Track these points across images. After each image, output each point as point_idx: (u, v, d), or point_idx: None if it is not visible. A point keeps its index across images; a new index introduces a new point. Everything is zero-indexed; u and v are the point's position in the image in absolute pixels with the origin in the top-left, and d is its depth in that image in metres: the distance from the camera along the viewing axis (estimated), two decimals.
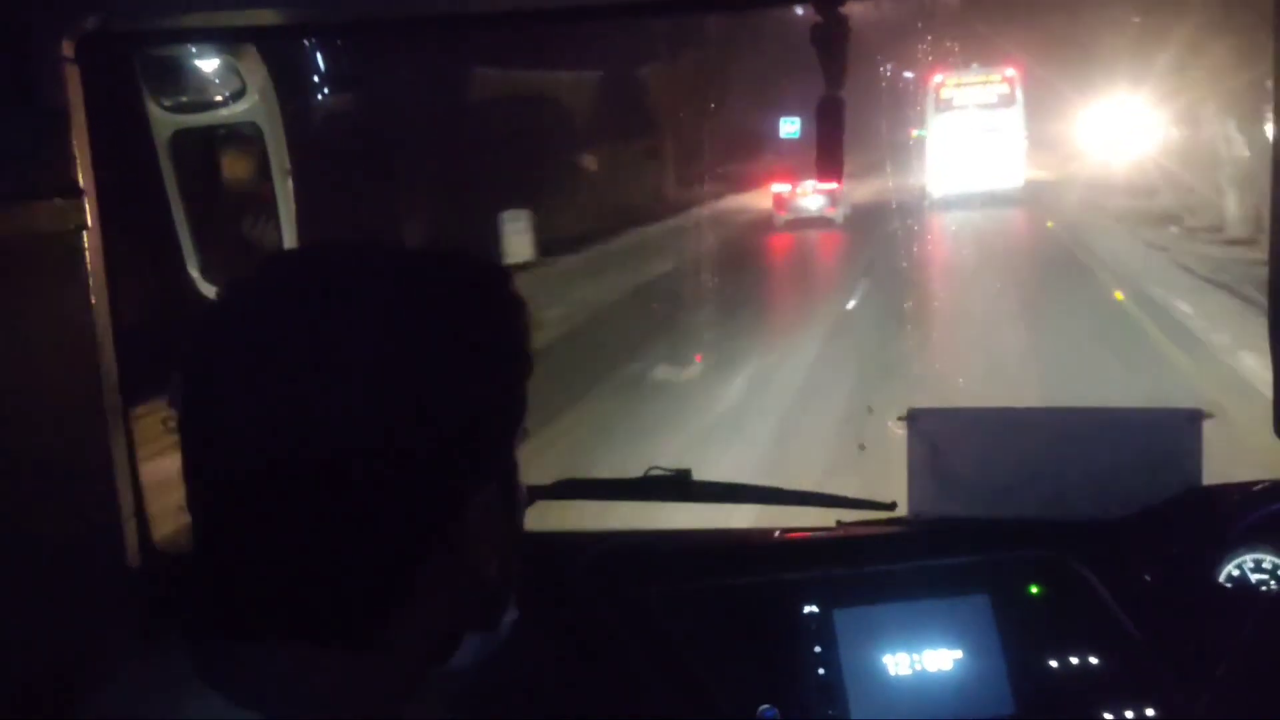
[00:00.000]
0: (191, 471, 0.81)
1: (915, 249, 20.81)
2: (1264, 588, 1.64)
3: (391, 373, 0.78)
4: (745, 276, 18.01)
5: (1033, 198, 25.14)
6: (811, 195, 24.02)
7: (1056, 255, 17.80)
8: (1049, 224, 21.75)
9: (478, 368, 0.84)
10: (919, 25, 37.27)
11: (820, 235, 23.10)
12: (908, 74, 37.81)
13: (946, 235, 22.60)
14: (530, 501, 1.86)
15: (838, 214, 23.89)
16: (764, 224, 24.55)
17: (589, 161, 25.70)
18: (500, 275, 0.90)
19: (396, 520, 0.79)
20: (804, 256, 21.97)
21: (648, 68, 27.87)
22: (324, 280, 0.83)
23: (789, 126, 32.18)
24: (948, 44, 36.08)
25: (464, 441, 0.82)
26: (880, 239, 21.31)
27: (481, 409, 0.84)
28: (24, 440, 1.42)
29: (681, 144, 29.86)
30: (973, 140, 25.33)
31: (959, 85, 26.86)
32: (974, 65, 28.12)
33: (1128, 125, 23.83)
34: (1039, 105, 31.16)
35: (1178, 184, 21.57)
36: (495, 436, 0.87)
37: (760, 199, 27.17)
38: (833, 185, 21.37)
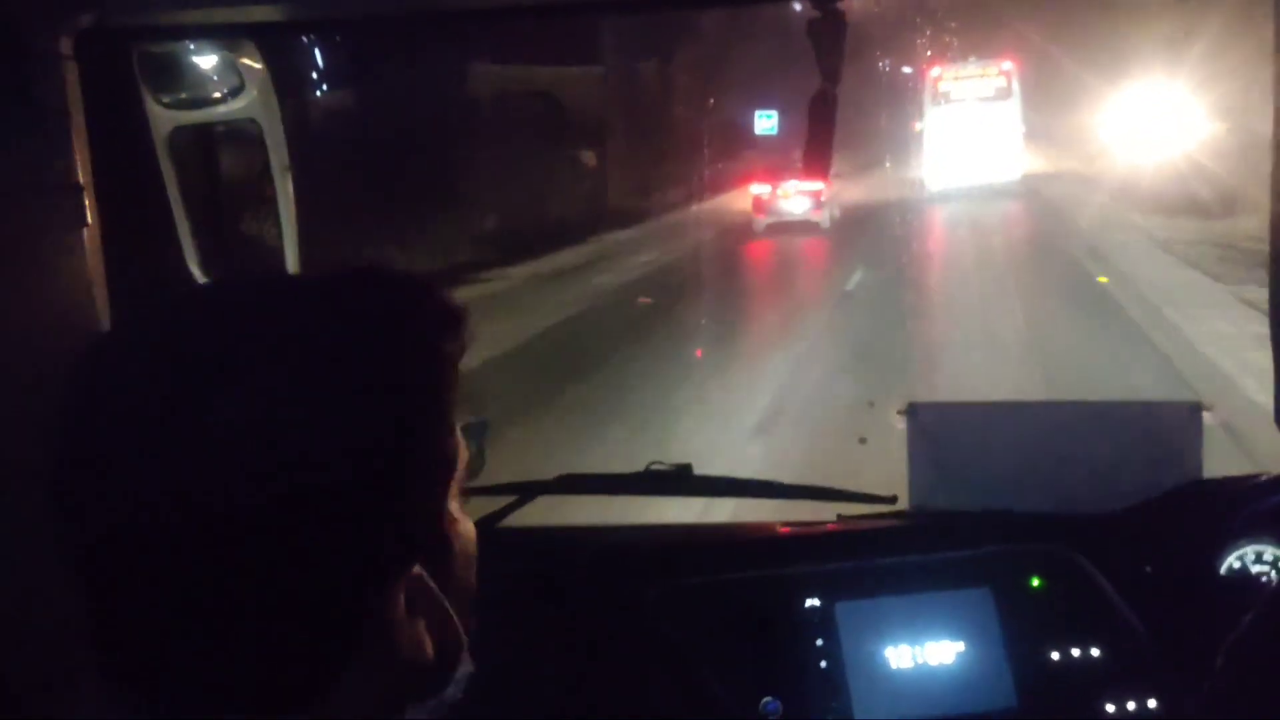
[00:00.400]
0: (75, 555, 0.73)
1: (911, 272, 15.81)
2: (1265, 579, 1.65)
3: (278, 437, 0.69)
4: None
5: (1051, 212, 21.64)
6: (795, 197, 21.61)
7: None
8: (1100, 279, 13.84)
9: (386, 417, 0.73)
10: (918, 20, 37.30)
11: (802, 242, 20.23)
12: (906, 69, 37.79)
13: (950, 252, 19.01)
14: (531, 497, 1.87)
15: (824, 217, 21.59)
16: (741, 231, 21.77)
17: (588, 157, 25.62)
18: (414, 297, 0.80)
19: (303, 607, 0.70)
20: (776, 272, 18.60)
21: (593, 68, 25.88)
22: (199, 331, 0.74)
23: (765, 122, 31.19)
24: (947, 38, 36.17)
25: (377, 507, 0.72)
26: (873, 253, 17.55)
27: (393, 466, 0.73)
28: (22, 438, 1.42)
29: (639, 147, 28.49)
30: (970, 133, 25.34)
31: (956, 78, 26.89)
32: (971, 58, 28.31)
33: (1160, 116, 22.31)
34: (1053, 93, 30.90)
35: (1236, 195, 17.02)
36: (418, 492, 0.76)
37: (735, 201, 24.97)
38: (818, 185, 20.42)
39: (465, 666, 0.83)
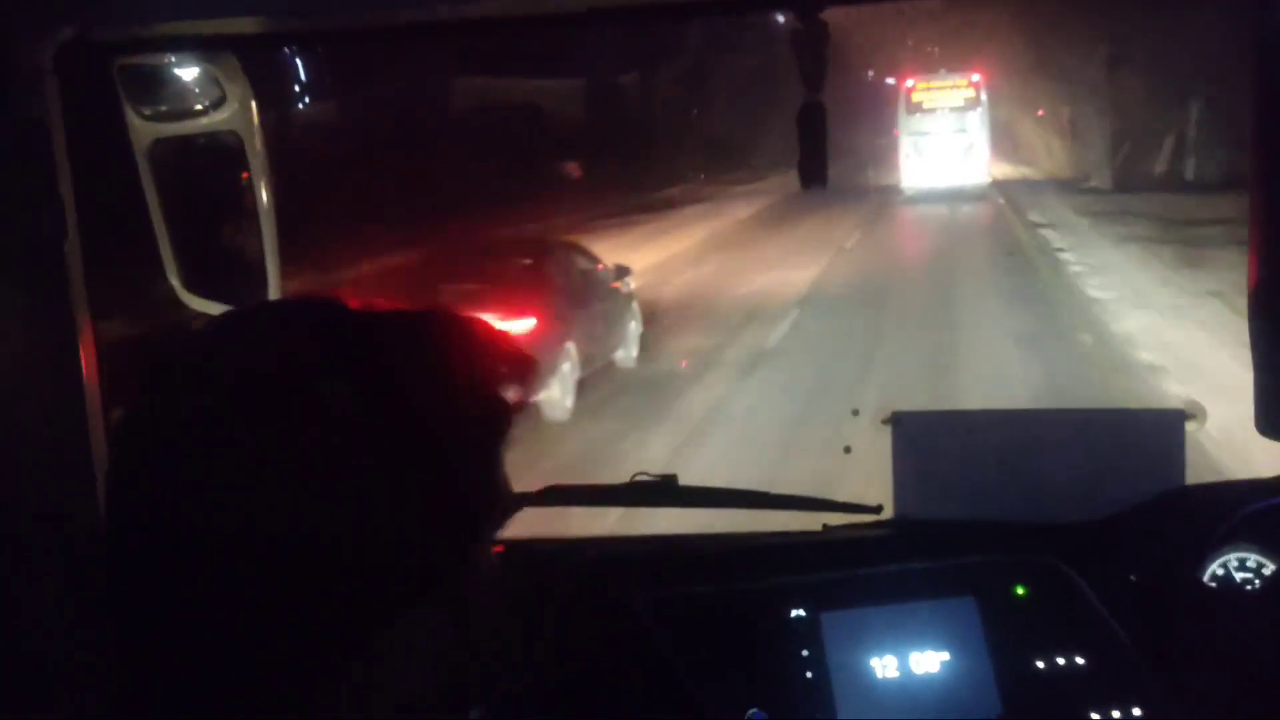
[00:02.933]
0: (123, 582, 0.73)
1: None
2: (1248, 586, 1.65)
3: (334, 464, 0.70)
4: None
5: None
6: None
7: None
8: None
9: (443, 454, 0.75)
10: (908, 41, 37.80)
11: None
12: (889, 80, 38.04)
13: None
14: (516, 509, 1.86)
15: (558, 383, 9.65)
16: None
17: (571, 169, 25.62)
18: (481, 342, 0.80)
19: (301, 637, 0.71)
20: None
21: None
22: (270, 350, 0.74)
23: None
24: (929, 49, 36.64)
25: (387, 553, 0.72)
26: None
27: (416, 512, 0.73)
28: (3, 450, 1.41)
29: (622, 159, 27.87)
30: (940, 139, 27.62)
31: (928, 89, 29.04)
32: (941, 70, 30.43)
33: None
34: (1025, 104, 33.40)
35: None
36: (466, 533, 0.77)
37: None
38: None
39: (477, 711, 0.83)
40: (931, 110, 28.44)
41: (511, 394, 0.80)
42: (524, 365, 0.81)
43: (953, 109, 28.46)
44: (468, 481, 0.77)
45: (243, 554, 0.69)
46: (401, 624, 0.74)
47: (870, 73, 39.19)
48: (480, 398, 0.78)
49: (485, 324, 0.82)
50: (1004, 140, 33.74)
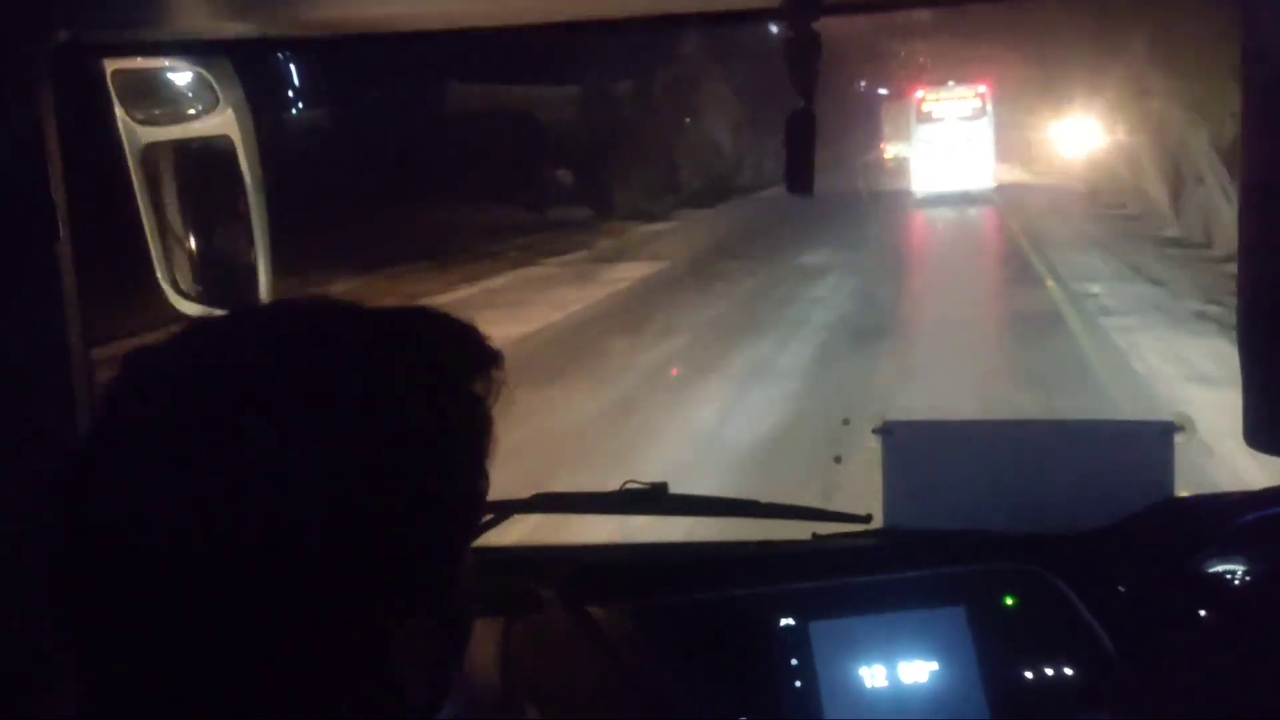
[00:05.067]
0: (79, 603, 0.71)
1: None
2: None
3: (307, 470, 0.68)
4: None
5: None
6: None
7: None
8: None
9: (417, 457, 0.72)
10: (901, 53, 38.10)
11: None
12: (882, 90, 38.23)
13: None
14: (505, 515, 1.86)
15: None
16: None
17: (564, 176, 25.62)
18: (452, 337, 0.79)
19: (303, 654, 0.70)
20: None
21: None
22: (234, 355, 0.73)
23: None
24: (920, 60, 37.07)
25: (399, 548, 0.71)
26: None
27: (415, 517, 0.72)
28: None
29: (616, 166, 27.28)
30: (950, 147, 28.71)
31: (938, 100, 30.28)
32: (950, 82, 31.43)
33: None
34: (1019, 113, 34.38)
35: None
36: (442, 534, 0.76)
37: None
38: None
39: (450, 709, 0.81)
40: (941, 120, 29.49)
41: (484, 389, 0.79)
42: (495, 359, 0.80)
43: (960, 118, 29.50)
44: (450, 484, 0.76)
45: (222, 575, 0.68)
46: (401, 636, 0.73)
47: (863, 83, 39.34)
48: (457, 396, 0.77)
49: (458, 320, 0.81)
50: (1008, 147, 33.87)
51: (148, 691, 0.70)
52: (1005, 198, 27.59)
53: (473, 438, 0.78)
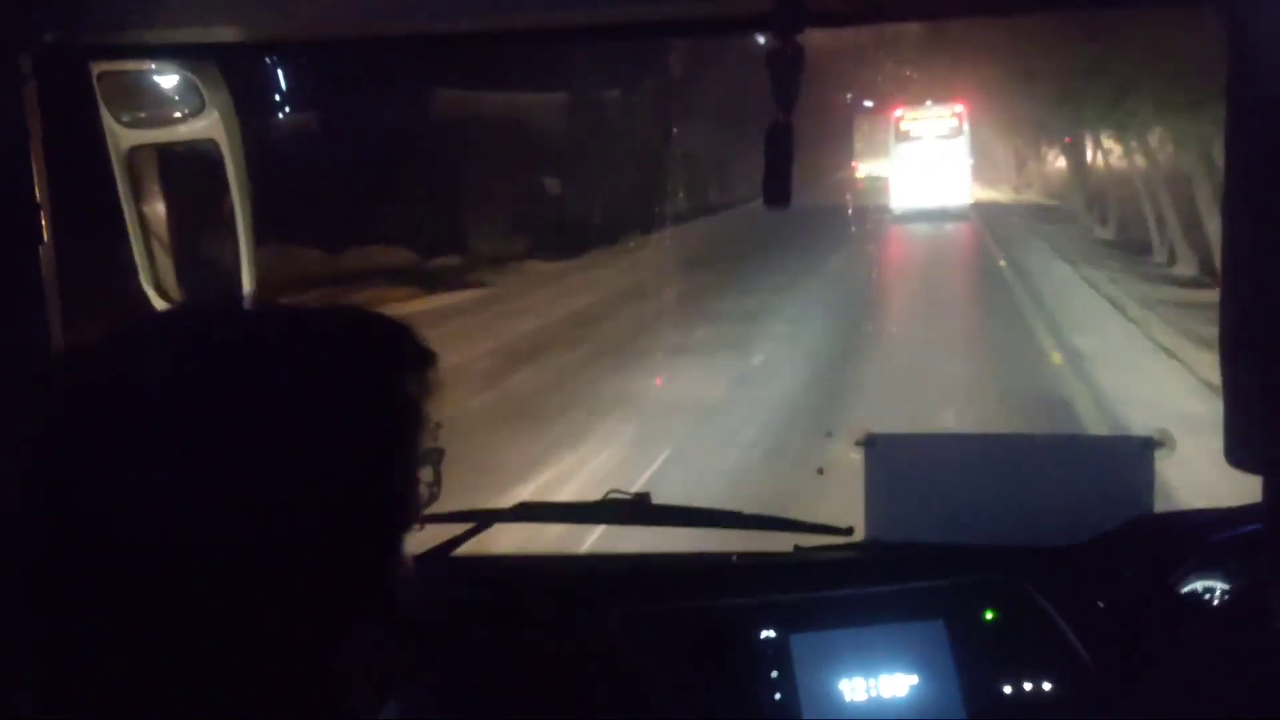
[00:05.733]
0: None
1: None
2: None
3: (237, 473, 0.68)
4: None
5: None
6: None
7: None
8: None
9: (349, 458, 0.72)
10: (883, 57, 38.26)
11: None
12: (868, 103, 38.37)
13: None
14: (488, 524, 1.86)
15: None
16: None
17: (552, 185, 25.56)
18: (384, 337, 0.79)
19: (250, 647, 0.69)
20: None
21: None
22: (161, 358, 0.72)
23: None
24: (907, 72, 37.29)
25: (334, 550, 0.71)
26: None
27: (352, 508, 0.72)
28: None
29: (603, 175, 26.47)
30: (927, 165, 29.34)
31: (915, 119, 30.95)
32: (928, 101, 32.18)
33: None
34: (1000, 129, 34.02)
35: None
36: (376, 536, 0.75)
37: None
38: None
39: (390, 710, 0.80)
40: (919, 138, 30.10)
41: (417, 389, 0.78)
42: (428, 359, 0.79)
43: (938, 137, 30.14)
44: (382, 484, 0.75)
45: (155, 585, 0.67)
46: (346, 636, 0.73)
47: (849, 95, 39.43)
48: (389, 396, 0.77)
49: (391, 320, 0.81)
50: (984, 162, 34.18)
51: (88, 703, 0.70)
52: (979, 211, 28.67)
53: (405, 438, 0.77)
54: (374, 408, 0.75)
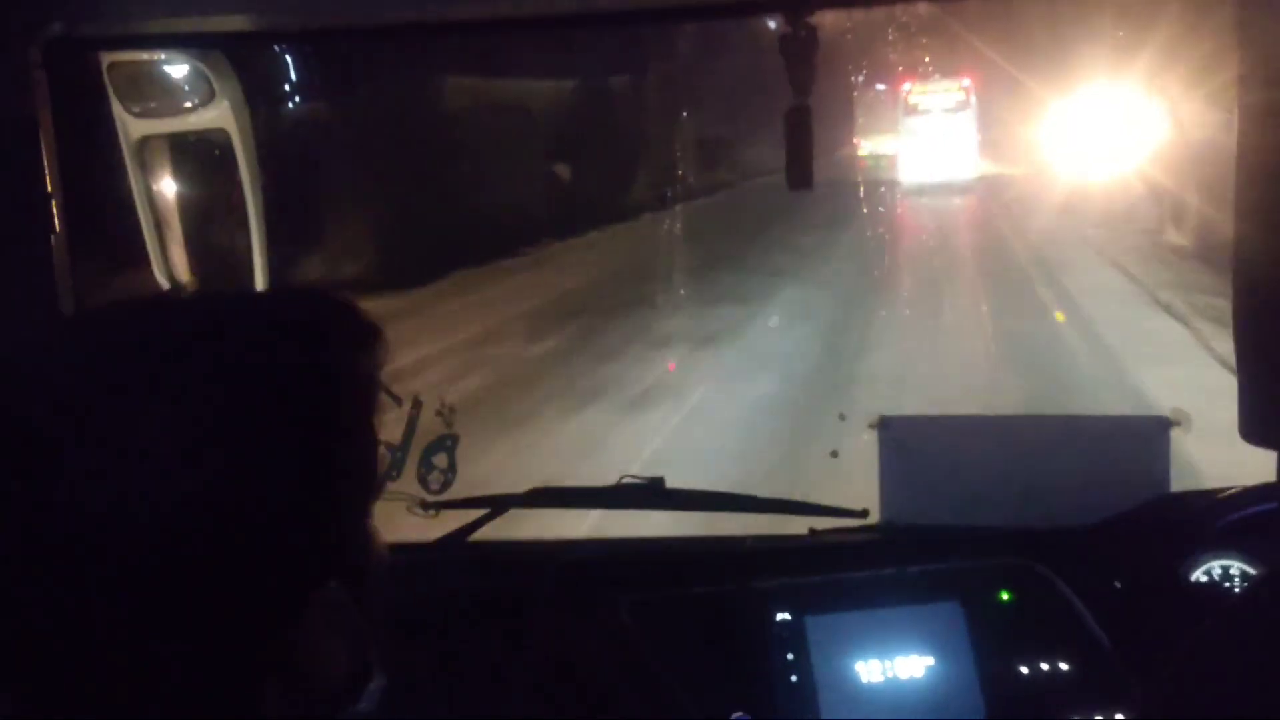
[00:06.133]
0: None
1: None
2: (1231, 592, 1.66)
3: (193, 452, 0.69)
4: None
5: None
6: None
7: None
8: None
9: (302, 434, 0.74)
10: (891, 35, 38.02)
11: None
12: (880, 85, 38.11)
13: None
14: (503, 510, 1.87)
15: None
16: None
17: (561, 170, 25.52)
18: (330, 314, 0.81)
19: (219, 624, 0.70)
20: None
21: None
22: (113, 341, 0.74)
23: None
24: (917, 52, 37.03)
25: (295, 524, 0.73)
26: None
27: (310, 482, 0.74)
28: None
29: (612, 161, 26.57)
30: (935, 137, 29.26)
31: (924, 93, 30.76)
32: (935, 76, 31.98)
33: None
34: (1012, 106, 33.46)
35: None
36: (338, 509, 0.77)
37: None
38: None
39: (377, 680, 0.82)
40: (927, 112, 30.02)
41: (368, 360, 0.80)
42: (375, 332, 0.81)
43: (945, 110, 30.07)
44: (341, 450, 0.77)
45: (126, 558, 0.68)
46: (314, 604, 0.74)
47: (853, 70, 39.16)
48: (342, 367, 0.79)
49: (337, 297, 0.83)
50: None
51: (65, 686, 0.71)
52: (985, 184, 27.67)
53: (352, 410, 0.79)
54: (320, 381, 0.77)
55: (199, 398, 0.71)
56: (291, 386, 0.75)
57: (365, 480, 0.80)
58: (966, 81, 30.59)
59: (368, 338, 0.81)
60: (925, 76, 32.02)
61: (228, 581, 0.70)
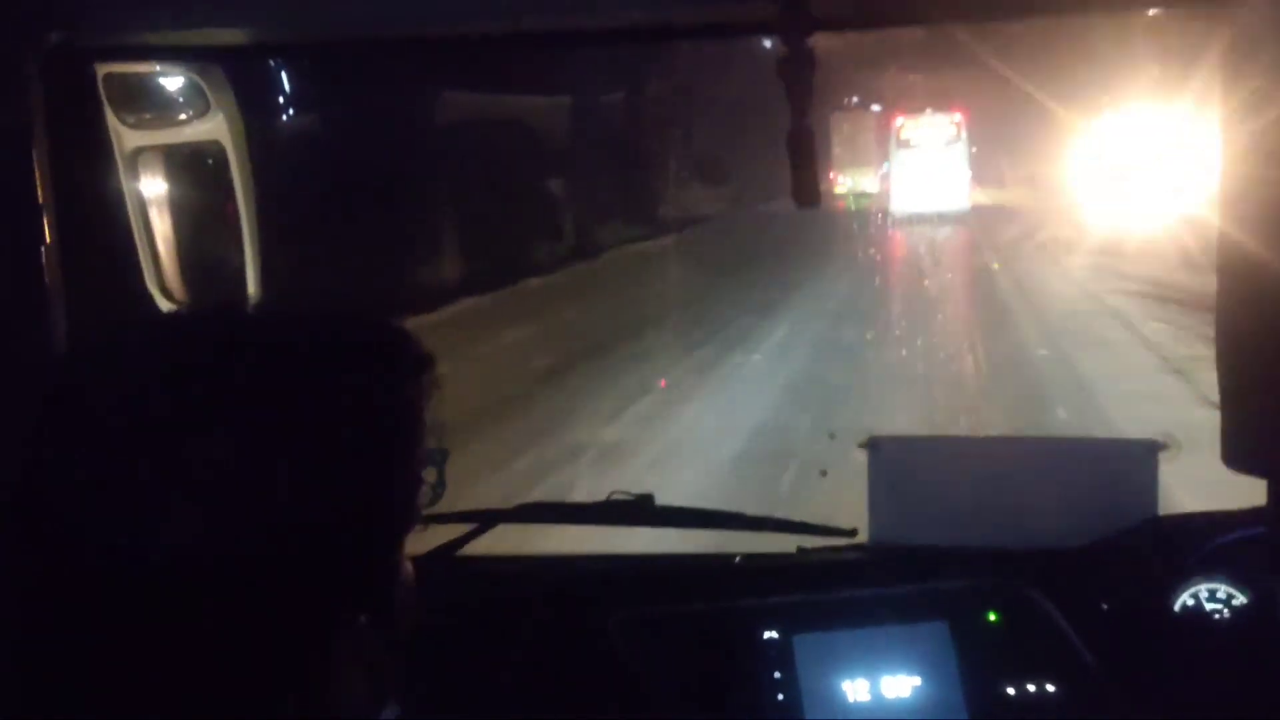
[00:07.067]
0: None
1: None
2: (1218, 616, 1.66)
3: (241, 479, 0.69)
4: None
5: None
6: None
7: None
8: None
9: (351, 463, 0.73)
10: (892, 67, 38.17)
11: None
12: (876, 106, 38.19)
13: None
14: (491, 525, 1.86)
15: None
16: None
17: (556, 186, 25.49)
18: (383, 343, 0.79)
19: (251, 651, 0.70)
20: None
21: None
22: (165, 364, 0.73)
23: None
24: (910, 77, 37.22)
25: (336, 554, 0.72)
26: None
27: (356, 512, 0.73)
28: None
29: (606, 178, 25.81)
30: (926, 171, 29.69)
31: (915, 127, 31.26)
32: (927, 110, 32.26)
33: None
34: (1013, 140, 34.59)
35: None
36: (377, 540, 0.76)
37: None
38: None
39: (391, 710, 0.81)
40: (918, 146, 30.48)
41: (416, 393, 0.79)
42: (427, 363, 0.80)
43: (936, 144, 30.50)
44: (381, 488, 0.76)
45: (160, 583, 0.68)
46: (343, 638, 0.74)
47: (855, 99, 39.24)
48: (388, 401, 0.77)
49: (389, 325, 0.81)
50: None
51: (94, 707, 0.70)
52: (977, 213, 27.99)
53: (403, 441, 0.78)
54: (372, 411, 0.75)
55: (263, 416, 0.70)
56: (343, 413, 0.73)
57: (406, 515, 0.79)
58: (958, 116, 31.06)
59: (422, 366, 0.80)
60: (916, 110, 32.34)
61: (263, 612, 0.70)
